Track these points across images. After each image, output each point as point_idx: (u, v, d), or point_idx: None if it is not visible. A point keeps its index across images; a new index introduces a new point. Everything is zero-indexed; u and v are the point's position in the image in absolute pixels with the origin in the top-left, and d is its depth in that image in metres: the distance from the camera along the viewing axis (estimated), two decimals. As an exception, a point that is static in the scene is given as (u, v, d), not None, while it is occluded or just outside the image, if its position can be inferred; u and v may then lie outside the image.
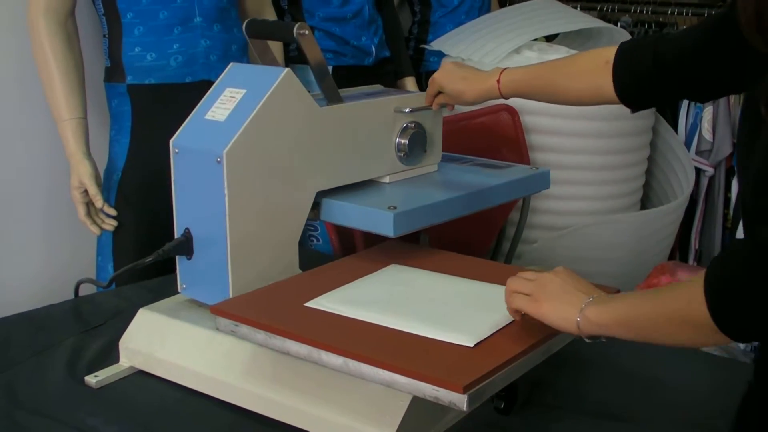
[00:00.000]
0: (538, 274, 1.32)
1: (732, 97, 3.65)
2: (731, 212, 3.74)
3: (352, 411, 1.33)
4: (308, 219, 1.67)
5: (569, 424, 1.43)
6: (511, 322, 1.38)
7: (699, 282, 1.11)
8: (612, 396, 1.52)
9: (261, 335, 1.37)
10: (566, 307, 1.26)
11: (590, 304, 1.24)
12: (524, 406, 1.46)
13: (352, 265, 1.69)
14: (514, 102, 2.83)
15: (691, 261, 3.81)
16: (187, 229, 1.59)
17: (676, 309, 1.14)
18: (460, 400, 1.19)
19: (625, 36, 3.45)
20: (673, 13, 4.10)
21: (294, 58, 2.83)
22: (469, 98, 1.76)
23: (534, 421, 1.43)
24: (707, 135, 3.63)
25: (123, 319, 1.70)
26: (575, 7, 3.86)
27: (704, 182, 3.75)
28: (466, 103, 1.78)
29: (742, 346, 2.31)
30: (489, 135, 2.78)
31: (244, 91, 1.58)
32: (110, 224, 2.33)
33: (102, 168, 2.37)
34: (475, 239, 2.58)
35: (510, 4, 3.70)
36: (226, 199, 1.50)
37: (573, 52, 3.09)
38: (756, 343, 2.18)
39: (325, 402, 1.36)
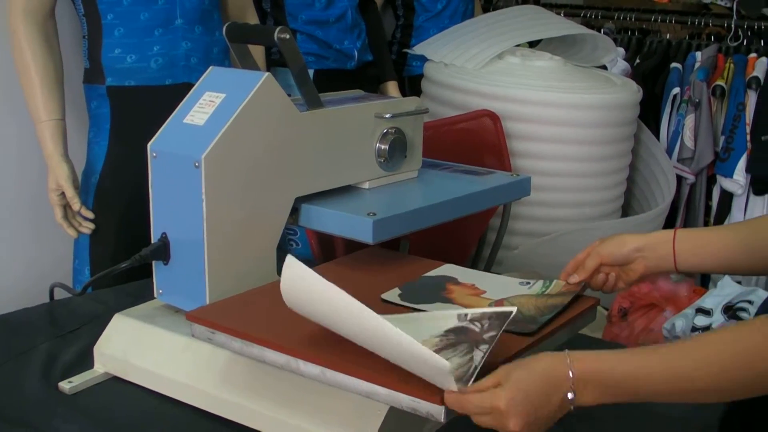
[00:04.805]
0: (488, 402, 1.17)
1: (714, 105, 3.66)
2: (712, 220, 3.75)
3: (329, 421, 1.32)
4: (287, 224, 1.66)
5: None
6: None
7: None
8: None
9: (238, 343, 1.36)
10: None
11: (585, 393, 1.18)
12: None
13: (331, 272, 1.68)
14: (496, 107, 2.83)
15: (671, 268, 3.81)
16: (164, 233, 1.58)
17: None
18: (437, 412, 1.18)
19: (609, 43, 3.45)
20: (656, 20, 4.11)
21: (276, 61, 2.82)
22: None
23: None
24: (689, 143, 3.64)
25: (99, 324, 1.68)
26: (559, 14, 3.86)
27: (685, 190, 3.76)
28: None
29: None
30: (470, 141, 2.77)
31: (223, 95, 1.57)
32: (87, 227, 2.31)
33: (80, 170, 2.35)
34: (456, 246, 2.57)
35: (493, 10, 3.70)
36: (204, 204, 1.49)
37: (556, 58, 3.09)
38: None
39: (303, 411, 1.35)
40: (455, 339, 1.27)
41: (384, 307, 1.49)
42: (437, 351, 1.22)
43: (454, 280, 1.62)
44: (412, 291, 1.56)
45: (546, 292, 1.54)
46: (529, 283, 1.59)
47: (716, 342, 1.18)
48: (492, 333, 1.26)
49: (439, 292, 1.55)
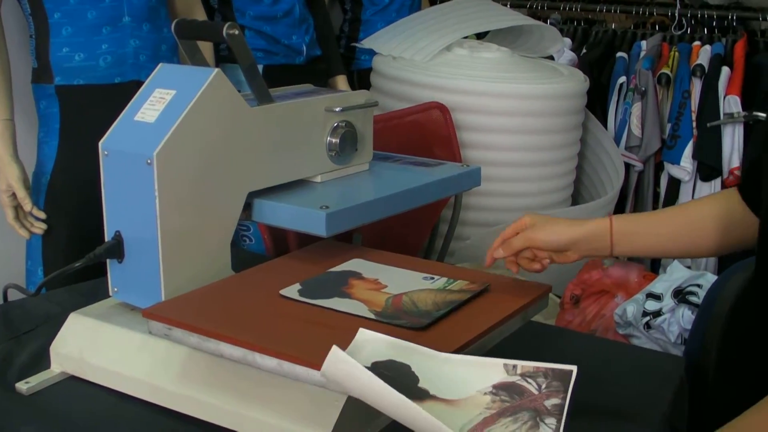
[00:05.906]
0: None
1: (660, 93, 3.71)
2: (660, 207, 3.79)
3: (287, 412, 1.32)
4: (240, 219, 1.66)
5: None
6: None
7: None
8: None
9: (194, 338, 1.37)
10: None
11: None
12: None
13: (285, 265, 1.69)
14: (445, 99, 2.84)
15: (622, 255, 3.85)
16: (117, 232, 1.57)
17: None
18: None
19: (555, 33, 3.48)
20: (601, 10, 4.15)
21: (225, 57, 2.82)
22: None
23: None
24: (636, 131, 3.68)
25: (54, 324, 1.67)
26: (505, 5, 3.89)
27: (634, 177, 3.80)
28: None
29: (672, 338, 2.34)
30: (420, 133, 2.79)
31: (173, 91, 1.57)
32: (39, 228, 2.30)
33: (30, 171, 2.34)
34: (408, 237, 2.59)
35: (441, 2, 3.72)
36: (157, 201, 1.49)
37: (503, 49, 3.12)
38: (686, 336, 2.22)
39: (261, 404, 1.35)
40: (510, 401, 1.14)
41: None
42: (493, 419, 1.12)
43: (357, 275, 1.62)
44: (313, 286, 1.55)
45: (447, 288, 1.55)
46: (433, 278, 1.60)
47: None
48: (556, 401, 1.12)
49: (339, 288, 1.55)
